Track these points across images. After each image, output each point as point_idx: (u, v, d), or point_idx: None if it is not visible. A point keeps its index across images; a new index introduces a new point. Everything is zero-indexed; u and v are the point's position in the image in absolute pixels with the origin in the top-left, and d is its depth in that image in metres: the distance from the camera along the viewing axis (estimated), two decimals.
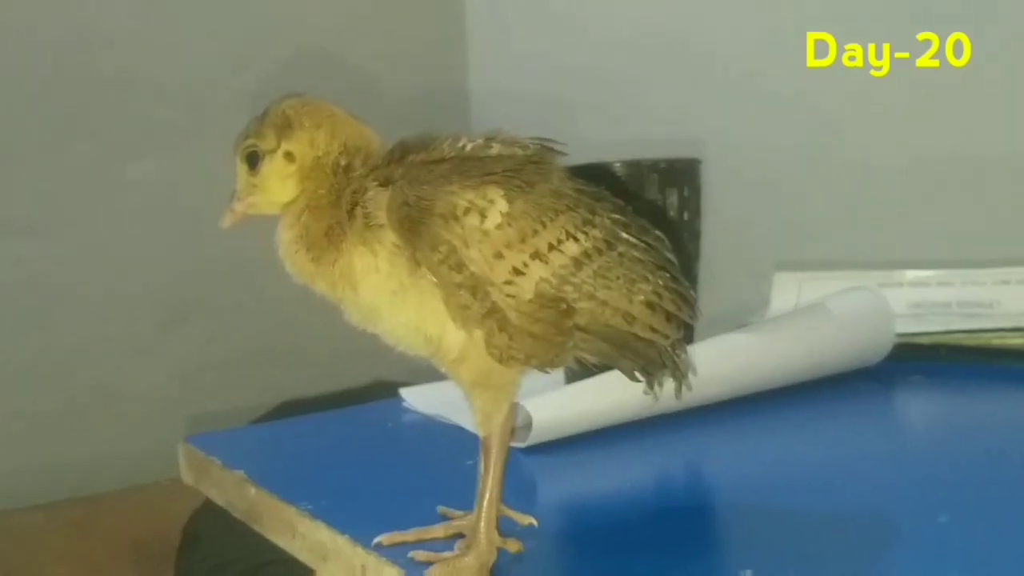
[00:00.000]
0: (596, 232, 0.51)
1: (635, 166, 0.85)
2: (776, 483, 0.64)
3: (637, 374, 0.54)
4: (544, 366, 0.51)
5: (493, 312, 0.49)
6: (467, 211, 0.49)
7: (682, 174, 0.87)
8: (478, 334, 0.50)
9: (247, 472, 0.68)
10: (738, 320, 0.95)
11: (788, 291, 0.99)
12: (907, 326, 0.91)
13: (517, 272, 0.49)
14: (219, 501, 0.72)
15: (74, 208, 1.49)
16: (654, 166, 0.85)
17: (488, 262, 0.49)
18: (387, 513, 0.59)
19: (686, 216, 0.87)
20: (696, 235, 0.88)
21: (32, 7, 1.44)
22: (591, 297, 0.50)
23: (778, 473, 0.66)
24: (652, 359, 0.53)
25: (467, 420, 0.73)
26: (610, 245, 0.51)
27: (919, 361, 0.89)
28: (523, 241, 0.49)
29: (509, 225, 0.49)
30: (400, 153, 0.52)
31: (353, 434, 0.81)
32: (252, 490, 0.67)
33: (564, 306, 0.50)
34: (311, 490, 0.63)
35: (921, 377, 0.87)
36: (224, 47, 1.59)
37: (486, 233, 0.49)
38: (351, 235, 0.51)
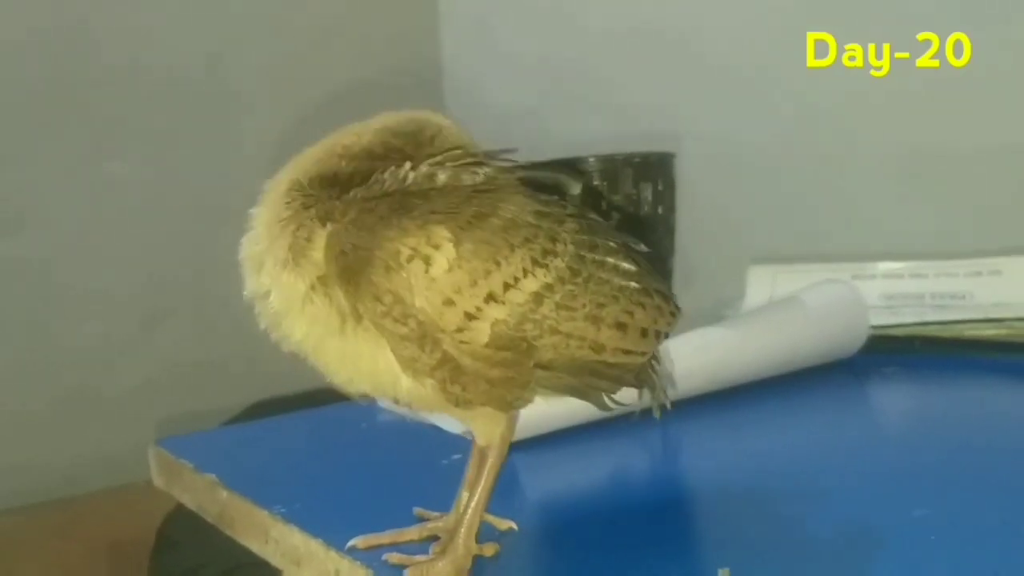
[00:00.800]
0: (558, 262, 0.47)
1: (609, 160, 0.85)
2: (753, 478, 0.64)
3: (607, 401, 0.51)
4: (503, 409, 0.49)
5: (445, 362, 0.46)
6: (411, 258, 0.45)
7: (656, 168, 0.87)
8: (430, 383, 0.47)
9: (218, 475, 0.67)
10: (714, 314, 0.95)
11: (763, 284, 0.99)
12: (881, 318, 0.91)
13: (470, 317, 0.45)
14: (191, 505, 0.71)
15: (52, 207, 1.47)
16: (628, 160, 0.85)
17: (437, 310, 0.45)
18: (362, 515, 0.58)
19: (660, 210, 0.87)
20: (671, 229, 0.88)
21: (16, 5, 1.43)
22: (554, 332, 0.47)
23: (755, 468, 0.66)
24: (627, 382, 0.51)
25: (443, 420, 0.73)
26: (574, 272, 0.48)
27: (893, 353, 0.90)
28: (475, 284, 0.45)
29: (459, 267, 0.45)
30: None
31: (327, 435, 0.80)
32: (224, 494, 0.66)
33: (524, 346, 0.46)
34: (284, 493, 0.63)
35: (895, 369, 0.87)
36: (203, 44, 1.58)
37: (433, 280, 0.45)
38: (292, 251, 0.47)
